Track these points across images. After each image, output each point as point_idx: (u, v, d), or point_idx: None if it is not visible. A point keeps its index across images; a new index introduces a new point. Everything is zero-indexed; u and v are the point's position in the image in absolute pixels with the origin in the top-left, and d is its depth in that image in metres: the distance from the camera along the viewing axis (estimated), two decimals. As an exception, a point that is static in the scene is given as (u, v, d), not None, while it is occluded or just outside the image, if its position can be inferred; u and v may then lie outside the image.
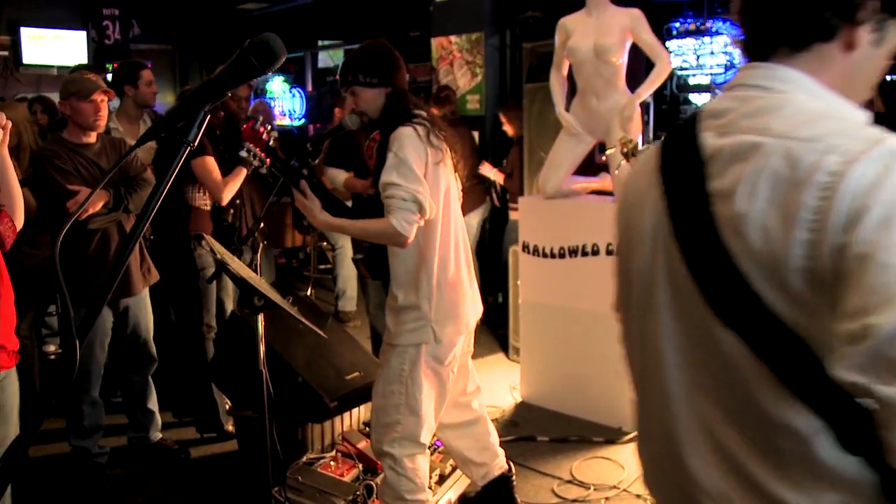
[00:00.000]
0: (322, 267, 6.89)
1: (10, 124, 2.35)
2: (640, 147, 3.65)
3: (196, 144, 1.10)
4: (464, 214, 2.70)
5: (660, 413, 1.17)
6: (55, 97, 4.19)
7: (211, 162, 3.56)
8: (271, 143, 3.84)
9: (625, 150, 3.45)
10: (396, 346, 2.55)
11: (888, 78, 4.90)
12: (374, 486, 2.95)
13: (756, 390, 1.01)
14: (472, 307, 2.66)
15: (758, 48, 1.08)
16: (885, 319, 0.84)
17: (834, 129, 0.96)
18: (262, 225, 3.02)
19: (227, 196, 3.61)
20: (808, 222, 0.92)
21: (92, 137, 3.26)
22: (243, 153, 3.64)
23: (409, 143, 2.39)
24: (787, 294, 0.95)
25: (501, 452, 2.95)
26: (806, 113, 1.01)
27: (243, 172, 3.64)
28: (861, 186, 0.89)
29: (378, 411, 2.62)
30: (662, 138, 1.19)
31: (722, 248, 1.00)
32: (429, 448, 2.67)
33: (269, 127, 3.85)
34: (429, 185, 2.39)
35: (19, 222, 2.46)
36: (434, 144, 2.44)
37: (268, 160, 3.62)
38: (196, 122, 1.09)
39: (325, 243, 6.33)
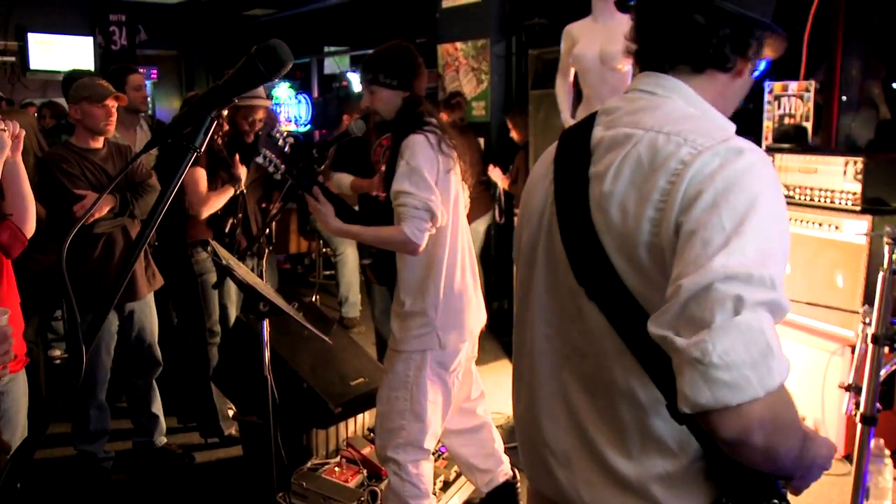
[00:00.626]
0: (327, 273, 6.88)
1: (23, 133, 2.35)
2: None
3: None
4: (470, 221, 2.71)
5: (528, 378, 1.29)
6: (65, 102, 4.20)
7: (199, 173, 3.52)
8: (286, 149, 3.85)
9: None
10: (402, 352, 2.55)
11: (894, 85, 4.87)
12: (378, 491, 2.94)
13: (610, 360, 1.12)
14: (477, 314, 2.66)
15: (655, 61, 1.21)
16: (691, 281, 0.95)
17: (695, 127, 1.09)
18: (266, 231, 3.01)
19: (207, 211, 3.53)
20: (657, 202, 1.05)
21: (99, 143, 3.28)
22: (259, 159, 3.64)
23: (420, 151, 2.39)
24: (637, 268, 1.07)
25: (506, 459, 2.94)
26: (676, 113, 1.14)
27: (230, 192, 3.59)
28: (701, 175, 1.02)
29: (383, 417, 2.62)
30: (563, 131, 1.30)
31: (590, 224, 1.12)
32: (433, 454, 2.67)
33: (286, 132, 3.86)
34: (440, 193, 2.40)
35: (31, 229, 2.44)
36: (445, 152, 2.45)
37: (283, 166, 3.62)
38: (202, 127, 1.09)
39: (328, 249, 6.32)
